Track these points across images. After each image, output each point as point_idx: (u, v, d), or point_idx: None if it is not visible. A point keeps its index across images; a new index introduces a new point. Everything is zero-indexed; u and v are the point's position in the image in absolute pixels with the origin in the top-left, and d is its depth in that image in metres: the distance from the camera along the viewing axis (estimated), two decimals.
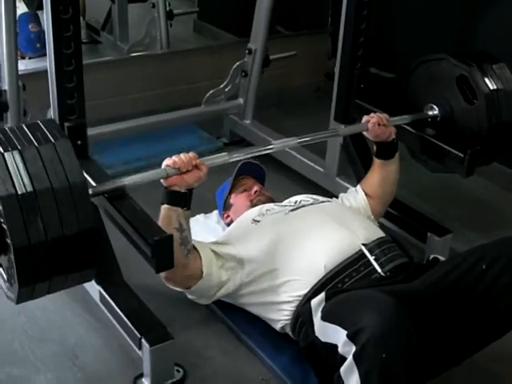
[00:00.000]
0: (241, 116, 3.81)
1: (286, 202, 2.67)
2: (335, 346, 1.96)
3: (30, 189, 1.82)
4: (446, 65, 2.78)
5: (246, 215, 2.60)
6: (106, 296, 2.42)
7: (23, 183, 1.82)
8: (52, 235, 1.85)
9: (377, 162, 2.75)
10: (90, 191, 2.03)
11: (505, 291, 2.08)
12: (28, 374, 2.34)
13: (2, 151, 1.84)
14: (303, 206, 2.58)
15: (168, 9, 4.43)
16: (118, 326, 2.37)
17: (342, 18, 3.05)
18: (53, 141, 1.90)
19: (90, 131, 2.58)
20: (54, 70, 2.38)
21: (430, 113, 2.85)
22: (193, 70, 4.17)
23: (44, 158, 1.87)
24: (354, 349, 1.84)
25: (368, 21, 3.01)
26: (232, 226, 2.63)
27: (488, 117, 2.69)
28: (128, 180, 2.22)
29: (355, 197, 2.76)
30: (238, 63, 3.71)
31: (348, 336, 1.87)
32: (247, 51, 3.68)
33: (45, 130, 1.93)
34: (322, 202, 2.65)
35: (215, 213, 3.00)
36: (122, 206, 2.25)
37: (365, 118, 2.70)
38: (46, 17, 2.33)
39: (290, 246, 2.37)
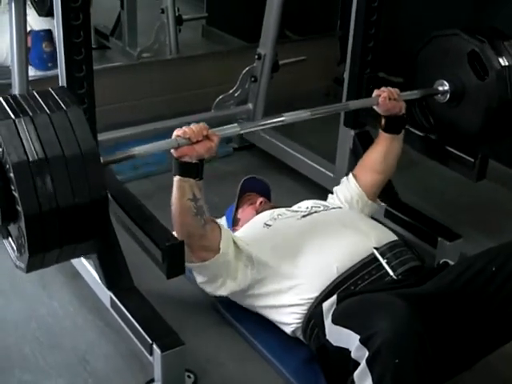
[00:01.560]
0: (250, 121, 3.80)
1: (296, 208, 2.67)
2: (347, 350, 1.96)
3: (41, 156, 1.79)
4: (457, 40, 2.73)
5: (257, 218, 2.61)
6: (117, 302, 2.41)
7: (35, 150, 1.79)
8: (63, 203, 1.82)
9: (383, 136, 2.73)
10: (102, 160, 1.98)
11: None
12: (39, 379, 2.35)
13: (14, 118, 1.81)
14: (315, 212, 2.58)
15: (177, 14, 4.44)
16: (128, 331, 2.37)
17: (351, 23, 3.05)
18: (65, 108, 1.87)
19: (100, 137, 2.58)
20: (64, 76, 2.38)
21: (441, 88, 2.80)
22: (202, 76, 4.17)
23: (56, 125, 1.84)
24: (367, 354, 1.85)
25: (377, 26, 3.00)
26: (243, 228, 2.62)
27: (499, 93, 2.65)
28: (138, 149, 2.16)
29: (347, 187, 2.76)
30: (247, 68, 3.71)
31: (361, 341, 1.87)
32: (257, 56, 3.67)
33: (56, 97, 1.90)
34: (333, 208, 2.66)
35: (224, 218, 3.00)
36: (132, 211, 2.25)
37: (375, 92, 2.68)
38: (57, 23, 2.34)
39: (303, 249, 2.38)
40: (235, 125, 2.37)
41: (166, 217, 2.26)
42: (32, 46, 3.86)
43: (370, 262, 2.32)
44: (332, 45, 4.63)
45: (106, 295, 2.48)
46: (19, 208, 1.81)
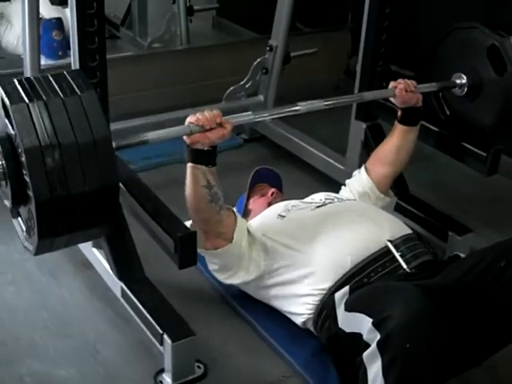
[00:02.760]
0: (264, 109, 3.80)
1: (309, 200, 2.66)
2: (359, 335, 1.96)
3: (53, 141, 1.79)
4: (477, 34, 2.70)
5: (271, 209, 2.60)
6: (128, 292, 2.42)
7: (47, 135, 1.79)
8: (74, 189, 1.82)
9: (398, 127, 2.72)
10: (114, 144, 1.98)
11: None
12: (49, 368, 2.35)
13: (28, 102, 1.81)
14: (330, 203, 2.57)
15: (188, 5, 4.44)
16: (139, 321, 2.37)
17: (364, 15, 3.03)
18: (79, 93, 1.87)
19: (111, 126, 2.57)
20: (77, 65, 2.38)
21: (458, 81, 2.77)
22: (213, 67, 4.17)
23: (69, 110, 1.83)
24: (378, 336, 1.85)
25: (391, 18, 2.99)
26: (256, 218, 2.61)
27: None
28: (151, 135, 2.16)
29: (359, 179, 2.76)
30: (258, 60, 3.71)
31: (373, 324, 1.87)
32: (268, 48, 3.67)
33: (71, 80, 1.89)
34: (348, 200, 2.66)
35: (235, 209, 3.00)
36: (145, 202, 2.25)
37: (392, 84, 2.66)
38: (71, 12, 2.34)
39: (317, 239, 2.37)
40: (249, 113, 2.34)
41: (176, 208, 2.25)
42: (42, 35, 3.86)
43: (383, 255, 2.31)
44: (343, 37, 4.63)
45: (116, 285, 2.48)
46: (30, 193, 1.81)
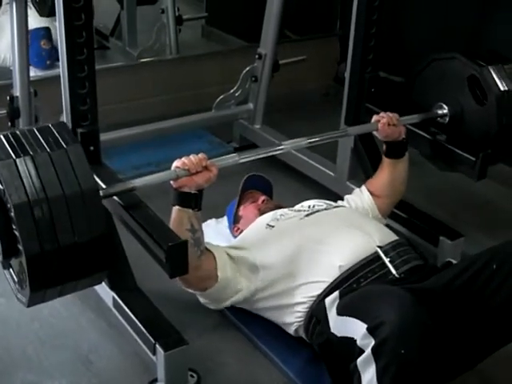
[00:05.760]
0: (251, 121, 3.81)
1: (298, 207, 2.67)
2: (352, 340, 1.96)
3: (41, 196, 1.82)
4: (456, 64, 2.76)
5: (259, 220, 2.61)
6: (120, 302, 2.42)
7: (35, 190, 1.82)
8: (64, 242, 1.85)
9: (386, 161, 2.75)
10: (101, 193, 2.02)
11: None
12: (42, 380, 2.35)
13: (14, 157, 1.84)
14: (317, 211, 2.58)
15: (177, 14, 4.44)
16: (131, 331, 2.37)
17: (352, 22, 3.05)
18: (64, 146, 1.90)
19: (101, 137, 2.58)
20: (66, 76, 2.38)
21: (440, 112, 2.82)
22: (203, 76, 4.19)
23: (56, 163, 1.87)
24: (373, 342, 1.85)
25: (378, 25, 3.01)
26: (246, 231, 2.63)
27: (498, 118, 2.67)
28: (138, 182, 2.22)
29: (361, 197, 2.77)
30: (247, 68, 3.71)
31: (368, 329, 1.88)
32: (257, 56, 3.67)
33: (56, 134, 1.93)
34: (336, 207, 2.66)
35: (225, 218, 3.00)
36: (135, 212, 2.25)
37: (374, 118, 2.69)
38: (59, 23, 2.33)
39: (306, 249, 2.38)
40: (234, 155, 2.40)
41: (166, 217, 2.25)
42: (30, 44, 3.86)
43: (372, 261, 2.32)
44: (331, 44, 4.65)
45: (108, 295, 2.48)
46: (20, 247, 1.84)
